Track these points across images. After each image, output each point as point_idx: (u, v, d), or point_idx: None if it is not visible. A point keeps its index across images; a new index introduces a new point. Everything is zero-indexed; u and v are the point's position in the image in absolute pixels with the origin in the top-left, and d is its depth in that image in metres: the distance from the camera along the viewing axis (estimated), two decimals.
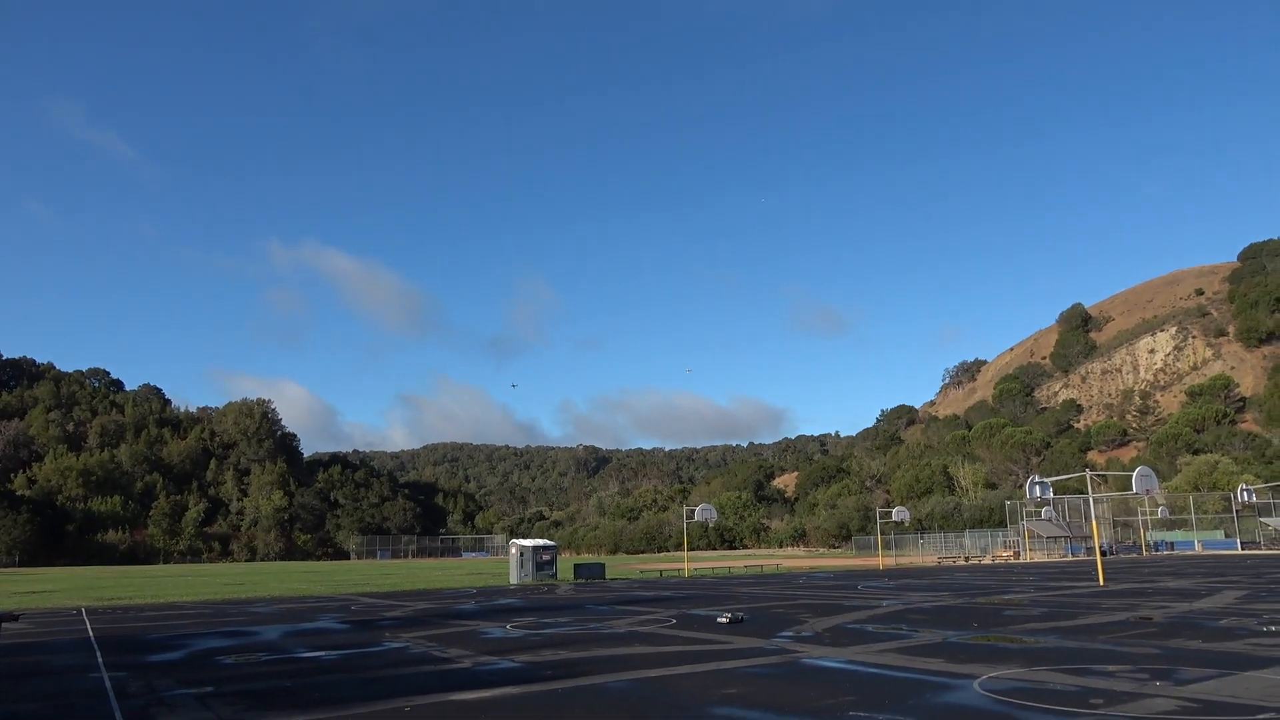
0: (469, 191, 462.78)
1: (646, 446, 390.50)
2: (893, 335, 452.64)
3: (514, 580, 44.85)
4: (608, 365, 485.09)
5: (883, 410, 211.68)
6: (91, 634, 21.93)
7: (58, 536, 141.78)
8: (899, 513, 64.57)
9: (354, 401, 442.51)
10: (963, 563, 64.47)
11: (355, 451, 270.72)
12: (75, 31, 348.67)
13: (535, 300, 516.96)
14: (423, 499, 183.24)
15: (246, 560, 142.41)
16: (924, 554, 79.82)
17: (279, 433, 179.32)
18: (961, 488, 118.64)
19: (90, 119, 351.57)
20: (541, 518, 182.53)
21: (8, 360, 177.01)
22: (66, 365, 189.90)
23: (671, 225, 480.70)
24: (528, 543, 46.57)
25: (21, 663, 16.32)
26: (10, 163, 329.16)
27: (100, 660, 16.50)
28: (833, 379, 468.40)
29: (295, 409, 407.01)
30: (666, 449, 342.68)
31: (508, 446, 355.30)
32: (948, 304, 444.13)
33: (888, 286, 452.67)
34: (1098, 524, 43.82)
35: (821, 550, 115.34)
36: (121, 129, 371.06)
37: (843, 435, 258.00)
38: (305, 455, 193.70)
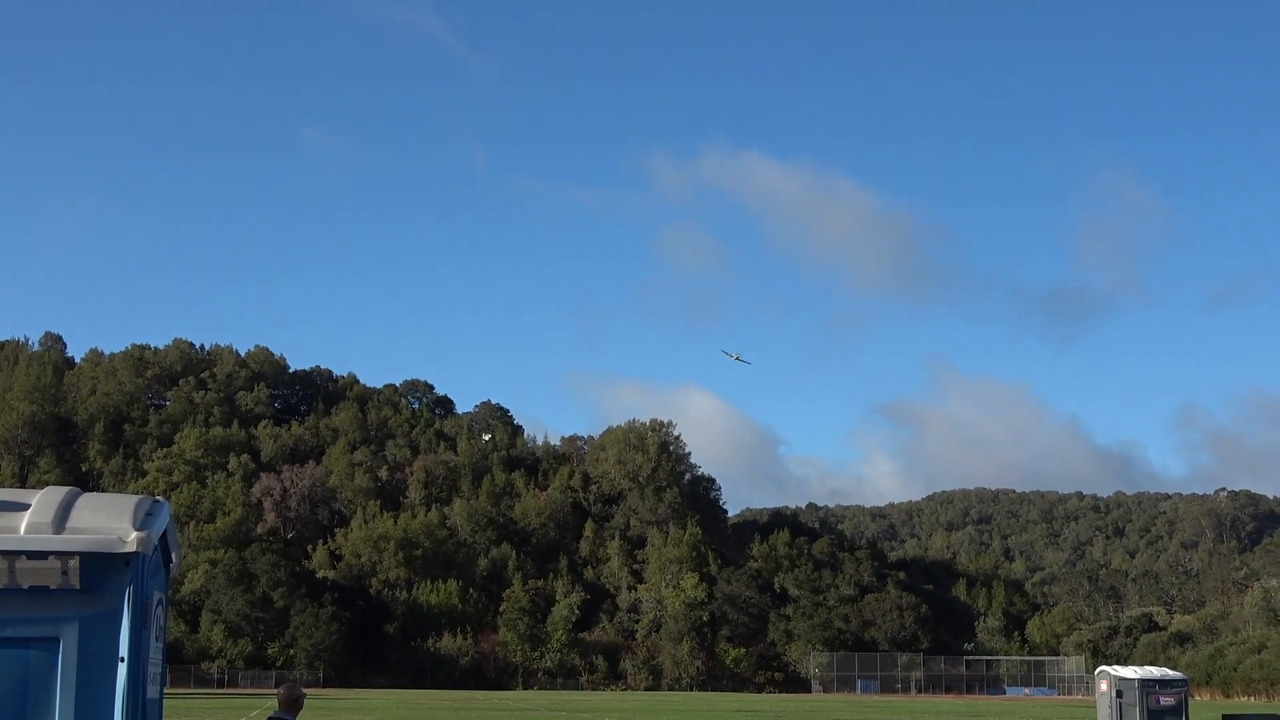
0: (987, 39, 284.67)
1: None
2: None
3: None
4: (1268, 333, 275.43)
5: None
6: None
7: (375, 640, 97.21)
8: None
9: (801, 418, 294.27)
10: None
11: (811, 505, 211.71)
12: None
13: (1122, 215, 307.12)
14: (931, 589, 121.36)
15: (647, 687, 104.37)
16: None
17: (687, 475, 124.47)
18: None
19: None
20: (1152, 626, 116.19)
21: (297, 373, 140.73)
22: (372, 377, 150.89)
23: None
24: (1129, 672, 32.80)
25: None
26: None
27: None
28: None
29: (708, 434, 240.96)
30: None
31: (1079, 495, 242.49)
32: None
33: None
34: None
35: None
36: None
37: None
38: (730, 514, 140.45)
